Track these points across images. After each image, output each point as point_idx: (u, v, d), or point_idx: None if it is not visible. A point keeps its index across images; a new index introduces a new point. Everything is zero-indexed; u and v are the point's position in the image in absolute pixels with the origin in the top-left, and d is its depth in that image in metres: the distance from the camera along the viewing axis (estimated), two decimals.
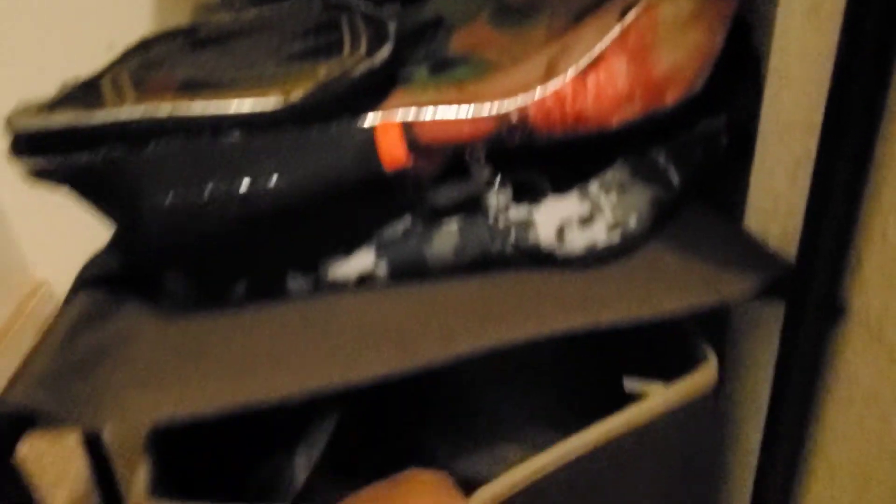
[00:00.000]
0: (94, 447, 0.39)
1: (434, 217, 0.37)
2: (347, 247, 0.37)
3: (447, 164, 0.37)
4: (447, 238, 0.37)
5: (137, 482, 0.33)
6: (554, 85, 0.34)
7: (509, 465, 0.46)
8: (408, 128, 0.34)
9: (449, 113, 0.35)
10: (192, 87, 0.36)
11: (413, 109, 0.35)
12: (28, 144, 0.35)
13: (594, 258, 0.37)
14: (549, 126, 0.35)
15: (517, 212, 0.37)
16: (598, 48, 0.34)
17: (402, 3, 0.48)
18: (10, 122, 0.35)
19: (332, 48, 0.40)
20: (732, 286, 0.34)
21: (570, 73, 0.34)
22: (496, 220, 0.37)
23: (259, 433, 0.46)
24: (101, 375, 0.33)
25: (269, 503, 0.43)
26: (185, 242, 0.36)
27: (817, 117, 0.30)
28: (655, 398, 0.35)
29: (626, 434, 0.35)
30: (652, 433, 0.36)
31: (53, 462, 0.76)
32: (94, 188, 0.36)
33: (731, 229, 0.39)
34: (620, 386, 0.41)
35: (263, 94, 0.35)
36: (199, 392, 0.32)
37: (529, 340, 0.32)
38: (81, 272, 0.40)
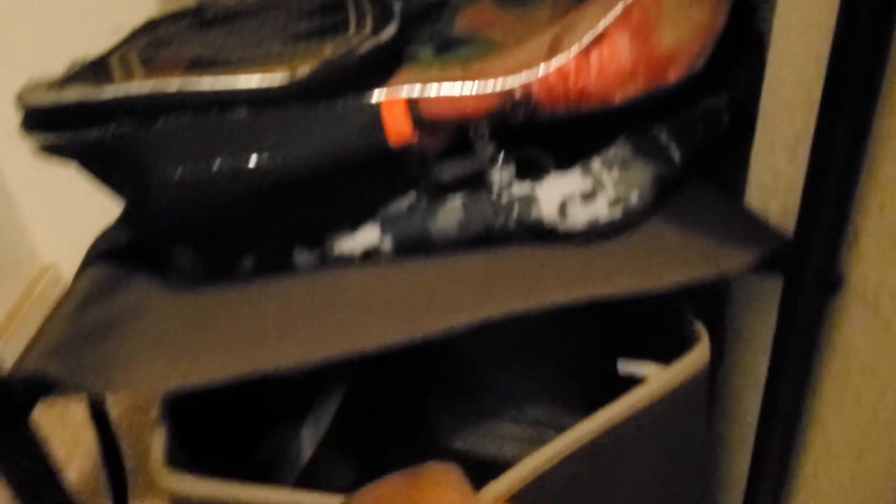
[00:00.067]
0: (102, 426, 0.40)
1: (438, 193, 0.38)
2: (353, 222, 0.38)
3: (452, 140, 0.38)
4: (451, 213, 0.37)
5: (155, 451, 0.34)
6: (557, 61, 0.35)
7: (511, 447, 0.47)
8: (413, 104, 0.35)
9: (453, 89, 0.35)
10: (200, 65, 0.37)
11: (418, 86, 0.35)
12: (39, 120, 0.36)
13: (596, 233, 0.37)
14: (553, 102, 0.35)
15: (520, 188, 0.38)
16: (602, 25, 0.35)
17: None
18: (20, 98, 0.36)
19: (337, 27, 0.40)
20: (731, 260, 0.34)
21: (574, 49, 0.34)
22: (499, 195, 0.37)
23: (266, 408, 0.47)
24: (112, 345, 0.34)
25: (276, 477, 0.44)
26: (193, 217, 0.36)
27: (817, 94, 0.31)
28: (655, 381, 0.36)
29: (627, 419, 0.35)
30: (651, 416, 0.36)
31: (63, 442, 0.77)
32: (103, 164, 0.37)
33: (730, 205, 0.40)
34: (615, 366, 0.42)
35: (270, 71, 0.35)
36: (208, 361, 0.33)
37: (530, 312, 0.33)
38: (92, 247, 0.41)
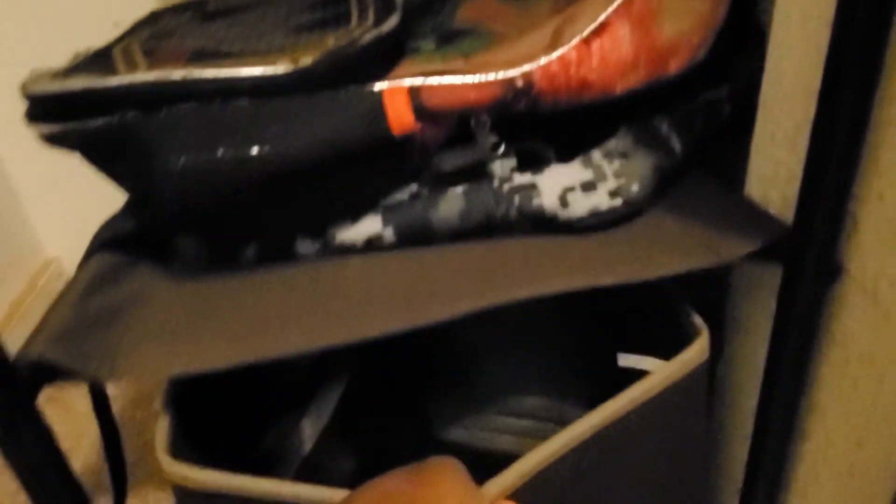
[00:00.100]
0: (103, 413, 0.40)
1: (440, 183, 0.38)
2: (355, 212, 0.38)
3: (454, 131, 0.38)
4: (453, 202, 0.37)
5: (158, 440, 0.34)
6: (559, 52, 0.35)
7: (511, 441, 0.47)
8: (415, 93, 0.35)
9: (455, 79, 0.35)
10: (203, 57, 0.37)
11: (420, 77, 0.36)
12: (43, 109, 0.36)
13: (597, 223, 0.38)
14: (554, 92, 0.35)
15: (521, 178, 0.38)
16: (603, 15, 0.35)
17: None
18: (25, 87, 0.36)
19: (339, 19, 0.40)
20: (731, 248, 0.34)
21: (576, 40, 0.35)
22: (501, 185, 0.38)
23: (268, 400, 0.47)
24: (116, 333, 0.34)
25: (277, 468, 0.44)
26: (196, 206, 0.36)
27: (817, 85, 0.31)
28: (657, 375, 0.36)
29: (629, 413, 0.35)
30: (652, 410, 0.36)
31: (67, 434, 0.77)
32: (106, 153, 0.37)
33: (731, 195, 0.40)
34: (614, 360, 0.42)
35: (273, 62, 0.35)
36: (211, 349, 0.33)
37: (531, 299, 0.33)
38: (96, 236, 0.41)
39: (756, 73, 0.39)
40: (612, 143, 0.39)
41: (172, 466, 0.32)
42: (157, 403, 0.37)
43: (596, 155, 0.38)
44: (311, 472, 0.43)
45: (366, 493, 0.27)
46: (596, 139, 0.39)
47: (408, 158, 0.38)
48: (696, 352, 0.37)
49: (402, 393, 0.50)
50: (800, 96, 0.35)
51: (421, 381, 0.50)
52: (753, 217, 0.37)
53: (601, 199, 0.37)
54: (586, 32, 0.35)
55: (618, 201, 0.37)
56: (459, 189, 0.38)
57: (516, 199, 0.37)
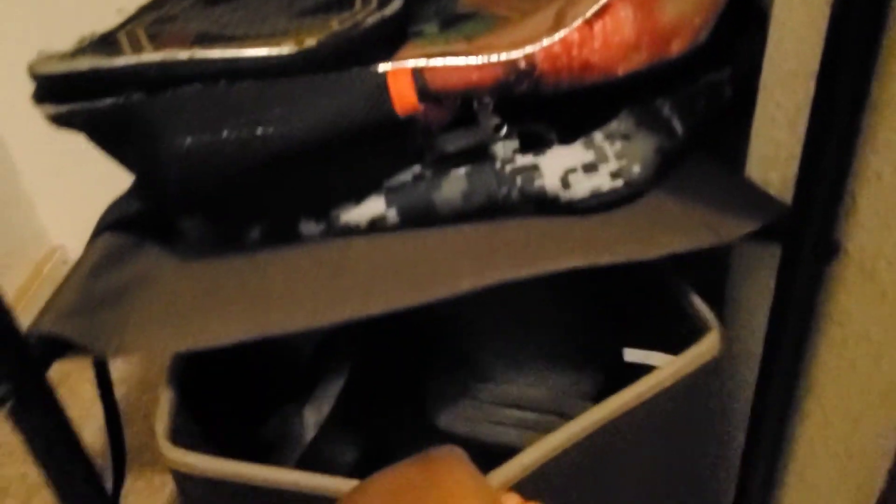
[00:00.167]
0: (105, 390, 0.41)
1: (443, 164, 0.38)
2: (359, 193, 0.39)
3: (457, 113, 0.39)
4: (455, 183, 0.38)
5: (160, 424, 0.34)
6: (561, 33, 0.35)
7: (514, 433, 0.46)
8: (418, 74, 0.35)
9: (458, 61, 0.36)
10: (207, 40, 0.37)
11: (423, 59, 0.36)
12: (50, 90, 0.36)
13: (598, 204, 0.38)
14: (556, 73, 0.36)
15: (523, 159, 0.38)
16: None
17: None
18: (32, 68, 0.36)
19: (343, 3, 0.41)
20: (730, 228, 0.35)
21: (578, 21, 0.35)
22: (503, 166, 0.38)
23: (270, 388, 0.48)
24: (124, 309, 0.35)
25: (279, 456, 0.44)
26: (201, 186, 0.37)
27: (818, 66, 0.31)
28: (665, 370, 0.35)
29: (635, 408, 0.34)
30: (659, 406, 0.35)
31: (72, 419, 0.78)
32: (113, 134, 0.37)
33: (731, 176, 0.40)
34: (620, 354, 0.41)
35: (277, 44, 0.36)
36: (218, 325, 0.33)
37: (532, 277, 0.33)
38: (104, 216, 0.42)
39: (757, 55, 0.39)
40: (614, 125, 0.39)
41: (172, 452, 0.33)
42: (162, 387, 0.37)
43: (598, 136, 0.38)
44: (313, 460, 0.44)
45: (375, 484, 0.26)
46: (598, 121, 0.39)
47: (411, 140, 0.38)
48: (707, 347, 0.36)
49: (404, 383, 0.50)
50: (800, 78, 0.35)
51: (423, 372, 0.50)
52: (753, 197, 0.37)
53: (602, 181, 0.38)
54: (589, 14, 0.35)
55: (619, 182, 0.38)
56: (462, 170, 0.38)
57: (518, 180, 0.38)
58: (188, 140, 0.35)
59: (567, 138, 0.39)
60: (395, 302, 0.33)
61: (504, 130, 0.39)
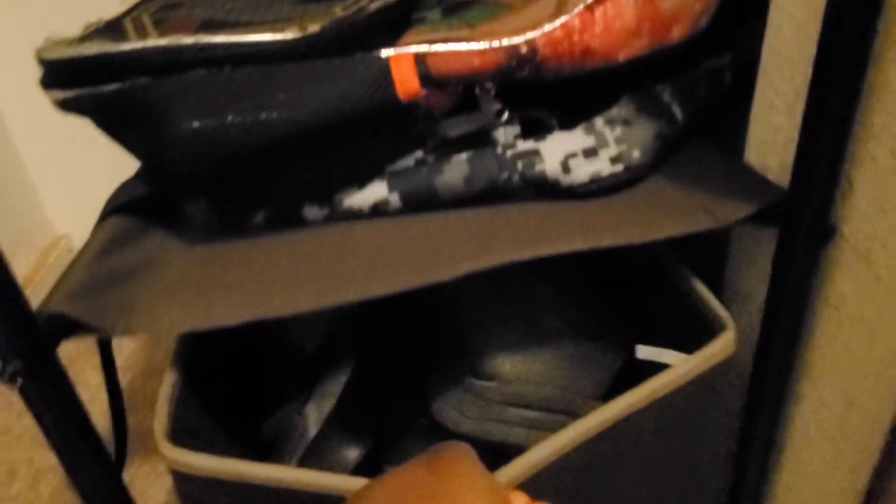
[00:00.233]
0: (109, 371, 0.42)
1: (445, 149, 0.39)
2: (362, 178, 0.39)
3: (459, 99, 0.39)
4: (457, 168, 0.38)
5: (158, 423, 0.33)
6: (562, 19, 0.35)
7: (520, 432, 0.45)
8: (420, 59, 0.36)
9: (460, 46, 0.36)
10: (211, 27, 0.38)
11: (426, 44, 0.36)
12: (58, 75, 0.37)
13: (598, 188, 0.38)
14: (558, 58, 0.36)
15: (524, 144, 0.38)
16: None
17: None
18: (40, 53, 0.37)
19: None
20: (728, 212, 0.35)
21: (579, 7, 0.35)
22: (504, 152, 0.38)
23: (272, 386, 0.48)
24: (131, 290, 0.35)
25: (282, 454, 0.44)
26: (206, 170, 0.37)
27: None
28: (678, 369, 0.34)
29: (646, 407, 0.34)
30: (671, 406, 0.35)
31: None
32: (119, 118, 0.38)
33: (729, 161, 0.41)
34: (631, 353, 0.41)
35: (281, 30, 0.36)
36: (224, 306, 0.34)
37: (532, 259, 0.34)
38: (111, 199, 0.43)
39: (758, 41, 0.39)
40: (615, 111, 0.39)
41: (172, 451, 0.32)
42: (164, 380, 0.36)
43: (598, 122, 0.39)
44: (315, 457, 0.43)
45: (383, 485, 0.26)
46: (598, 107, 0.40)
47: (413, 125, 0.38)
48: (722, 346, 0.35)
49: (408, 380, 0.50)
50: (799, 63, 0.35)
51: (428, 370, 0.48)
52: (751, 181, 0.38)
53: (602, 165, 0.38)
54: (590, 0, 0.35)
55: (619, 167, 0.38)
56: (464, 155, 0.39)
57: (519, 164, 0.38)
58: (193, 124, 0.36)
59: (568, 124, 0.40)
60: (397, 284, 0.34)
61: (505, 116, 0.39)
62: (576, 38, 0.35)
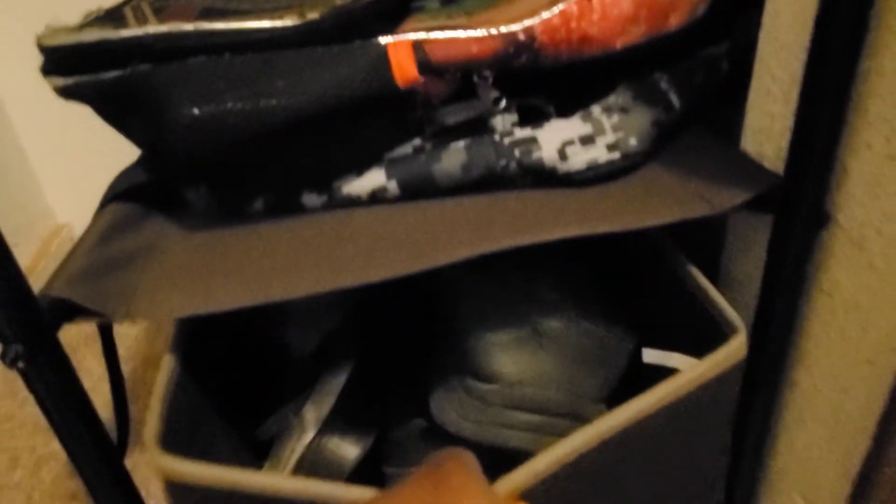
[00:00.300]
0: (111, 357, 0.42)
1: (442, 137, 0.39)
2: (360, 165, 0.39)
3: (457, 86, 0.39)
4: (455, 155, 0.39)
5: (149, 430, 0.32)
6: (560, 6, 0.35)
7: (523, 437, 0.44)
8: (419, 46, 0.36)
9: (458, 34, 0.36)
10: (211, 14, 0.38)
11: (424, 32, 0.36)
12: (58, 62, 0.37)
13: (595, 175, 0.39)
14: (555, 46, 0.36)
15: (522, 132, 0.39)
16: None
17: None
18: (40, 40, 0.37)
19: None
20: (723, 199, 0.35)
21: None
22: (501, 139, 0.39)
23: (270, 388, 0.48)
24: (132, 276, 0.36)
25: (280, 454, 0.44)
26: (206, 157, 0.38)
27: None
28: (688, 374, 0.33)
29: (654, 413, 0.33)
30: (680, 411, 0.34)
31: None
32: (119, 105, 0.38)
33: (725, 148, 0.41)
34: (637, 356, 0.40)
35: (280, 17, 0.36)
36: (224, 291, 0.34)
37: (529, 245, 0.34)
38: (112, 186, 0.43)
39: (755, 30, 0.39)
40: (612, 99, 0.39)
41: (165, 460, 0.31)
42: (156, 389, 0.35)
43: (595, 110, 0.39)
44: (314, 456, 0.43)
45: (387, 501, 0.26)
46: (596, 94, 0.40)
47: (411, 112, 0.39)
48: (732, 350, 0.34)
49: (407, 380, 0.49)
50: (796, 51, 0.35)
51: (429, 373, 0.47)
52: (746, 169, 0.38)
53: (599, 153, 0.38)
54: None
55: (616, 155, 0.38)
56: (461, 143, 0.39)
57: (516, 152, 0.38)
58: (193, 111, 0.36)
59: (565, 111, 0.40)
60: (395, 269, 0.34)
61: (503, 104, 0.39)
62: (573, 25, 0.35)
